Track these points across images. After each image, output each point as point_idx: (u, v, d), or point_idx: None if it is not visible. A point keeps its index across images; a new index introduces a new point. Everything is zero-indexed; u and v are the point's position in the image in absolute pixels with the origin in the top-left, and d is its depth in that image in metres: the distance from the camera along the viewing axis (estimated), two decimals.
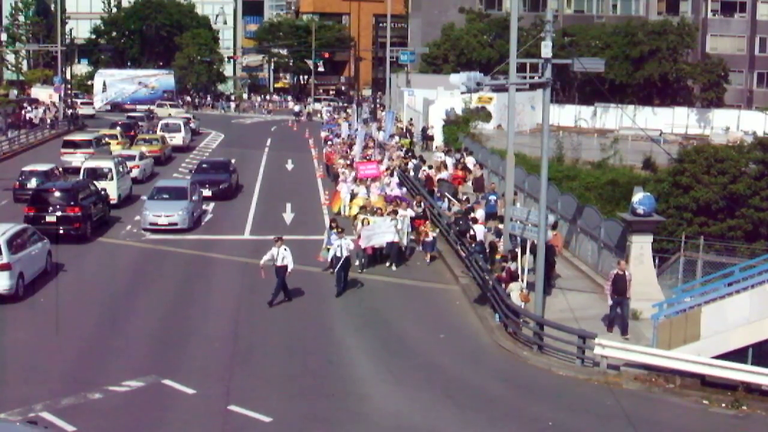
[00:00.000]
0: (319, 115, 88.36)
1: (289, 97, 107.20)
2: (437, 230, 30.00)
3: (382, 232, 27.25)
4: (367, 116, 64.20)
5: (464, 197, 33.65)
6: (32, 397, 17.36)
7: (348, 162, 40.62)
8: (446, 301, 25.13)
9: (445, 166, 40.22)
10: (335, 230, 26.05)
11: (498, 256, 25.52)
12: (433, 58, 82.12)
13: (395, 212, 28.85)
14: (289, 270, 23.99)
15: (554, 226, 27.42)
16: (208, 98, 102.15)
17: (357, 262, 27.25)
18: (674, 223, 30.04)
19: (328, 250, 26.24)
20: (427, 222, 30.31)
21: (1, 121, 64.33)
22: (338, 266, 24.96)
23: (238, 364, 19.72)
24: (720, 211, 30.96)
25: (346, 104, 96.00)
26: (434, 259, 29.16)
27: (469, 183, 39.40)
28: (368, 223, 27.40)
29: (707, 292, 21.83)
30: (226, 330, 21.91)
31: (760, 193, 30.19)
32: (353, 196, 34.95)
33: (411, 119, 62.43)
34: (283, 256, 23.94)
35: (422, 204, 31.65)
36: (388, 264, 27.96)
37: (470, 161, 41.66)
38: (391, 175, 37.45)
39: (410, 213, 29.86)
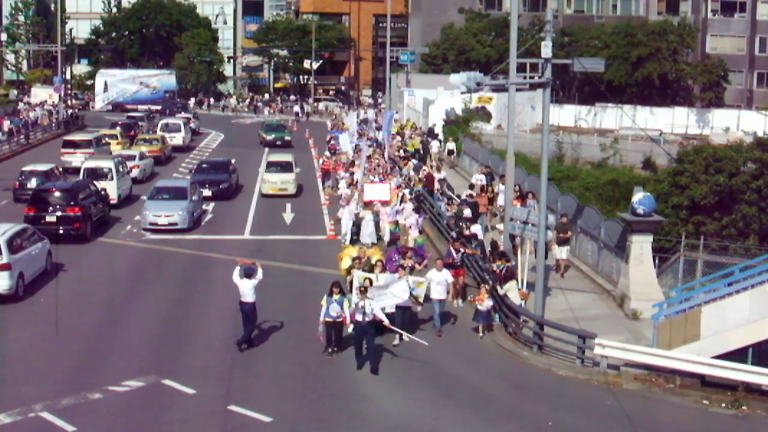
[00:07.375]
0: (321, 116, 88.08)
1: (291, 97, 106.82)
2: (491, 301, 21.93)
3: (392, 293, 20.32)
4: (366, 116, 63.35)
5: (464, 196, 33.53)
6: (32, 397, 17.37)
7: (351, 179, 36.26)
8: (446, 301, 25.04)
9: (480, 189, 34.26)
10: (337, 296, 19.80)
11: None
12: (432, 58, 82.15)
13: (402, 267, 21.81)
14: None
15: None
16: (210, 101, 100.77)
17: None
18: (671, 223, 30.09)
19: (327, 323, 19.95)
20: (482, 287, 22.36)
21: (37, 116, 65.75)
22: (359, 334, 19.35)
23: (238, 364, 19.72)
24: (715, 209, 31.06)
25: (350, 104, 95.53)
26: (490, 330, 22.04)
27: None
28: (371, 283, 20.26)
29: (707, 292, 21.82)
30: (226, 330, 21.88)
31: (751, 187, 30.23)
32: (358, 223, 29.35)
33: (421, 127, 60.49)
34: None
35: (461, 250, 24.31)
36: (395, 342, 20.73)
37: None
38: (403, 197, 31.18)
39: (446, 277, 21.97)
